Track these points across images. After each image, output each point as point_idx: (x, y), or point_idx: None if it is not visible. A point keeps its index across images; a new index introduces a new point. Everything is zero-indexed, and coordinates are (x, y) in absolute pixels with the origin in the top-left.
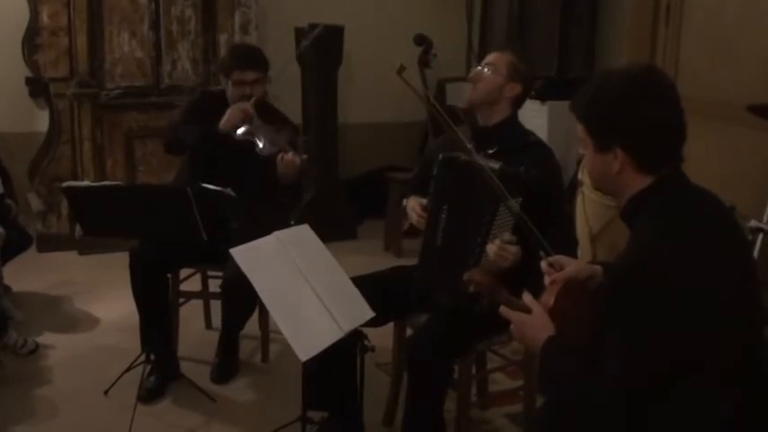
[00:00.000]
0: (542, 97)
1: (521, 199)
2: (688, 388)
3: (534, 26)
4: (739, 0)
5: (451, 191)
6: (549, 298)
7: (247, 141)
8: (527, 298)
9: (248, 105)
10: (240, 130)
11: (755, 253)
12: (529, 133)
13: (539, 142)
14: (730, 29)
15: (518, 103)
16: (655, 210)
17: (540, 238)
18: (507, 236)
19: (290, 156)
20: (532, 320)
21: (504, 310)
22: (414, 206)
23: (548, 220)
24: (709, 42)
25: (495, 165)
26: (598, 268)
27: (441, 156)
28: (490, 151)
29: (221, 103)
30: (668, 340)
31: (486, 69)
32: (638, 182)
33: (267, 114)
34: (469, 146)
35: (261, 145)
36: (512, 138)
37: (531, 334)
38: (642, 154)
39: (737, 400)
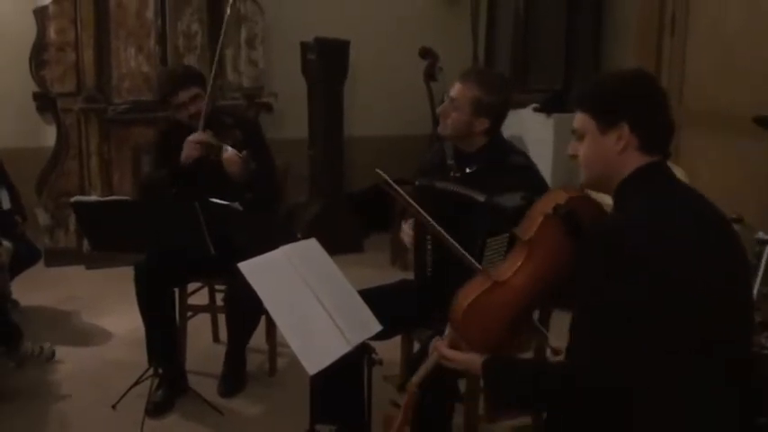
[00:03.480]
0: (548, 110)
1: (507, 234)
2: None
3: (540, 38)
4: (744, 8)
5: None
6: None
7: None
8: (441, 345)
9: (202, 136)
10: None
11: (762, 264)
12: (516, 152)
13: (526, 166)
14: (735, 39)
15: (492, 131)
16: (646, 190)
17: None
18: None
19: (227, 153)
20: (462, 359)
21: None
22: (404, 228)
23: None
24: (714, 53)
25: (480, 197)
26: None
27: (417, 182)
28: (468, 170)
29: (183, 129)
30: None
31: (452, 104)
32: (634, 163)
33: (216, 124)
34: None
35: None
36: (494, 158)
37: (468, 368)
38: (647, 130)
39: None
